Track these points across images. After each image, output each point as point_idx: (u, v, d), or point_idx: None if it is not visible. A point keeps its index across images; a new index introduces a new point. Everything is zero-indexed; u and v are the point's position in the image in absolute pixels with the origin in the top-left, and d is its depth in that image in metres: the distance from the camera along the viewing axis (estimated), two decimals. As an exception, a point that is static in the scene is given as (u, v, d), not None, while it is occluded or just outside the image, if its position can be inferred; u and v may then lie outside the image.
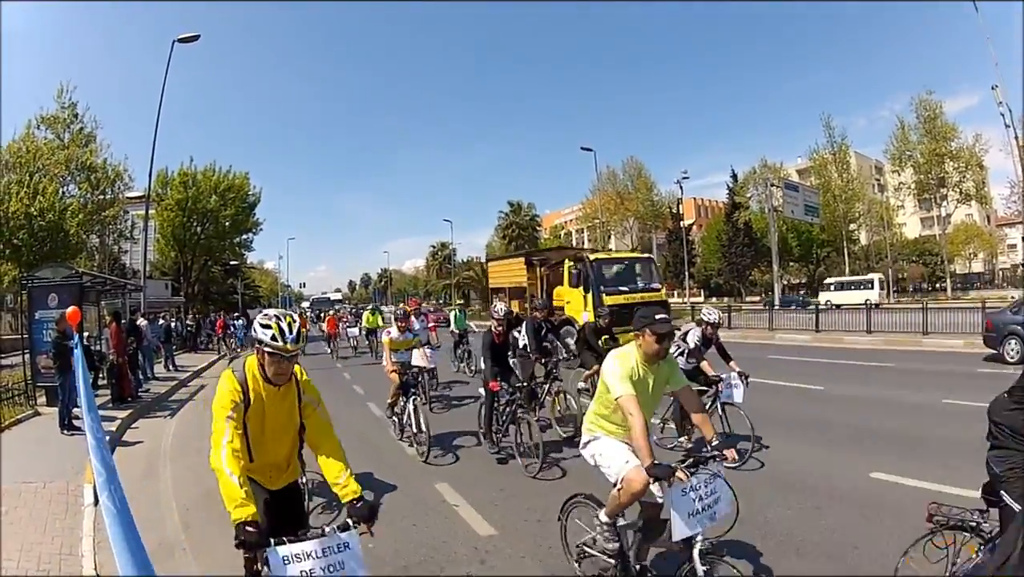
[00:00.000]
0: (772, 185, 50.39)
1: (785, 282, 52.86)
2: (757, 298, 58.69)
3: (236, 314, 40.74)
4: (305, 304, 65.19)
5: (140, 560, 2.74)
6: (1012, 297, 37.62)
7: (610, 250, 48.91)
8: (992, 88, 30.69)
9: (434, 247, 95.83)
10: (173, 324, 24.62)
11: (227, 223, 45.00)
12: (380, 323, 22.14)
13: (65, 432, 10.23)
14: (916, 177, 51.74)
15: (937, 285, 60.62)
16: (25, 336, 13.94)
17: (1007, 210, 54.72)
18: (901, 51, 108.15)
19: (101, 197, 32.08)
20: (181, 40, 25.19)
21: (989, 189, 52.68)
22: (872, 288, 43.13)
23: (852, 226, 59.92)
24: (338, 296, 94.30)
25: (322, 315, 43.70)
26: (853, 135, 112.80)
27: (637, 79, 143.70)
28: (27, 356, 13.57)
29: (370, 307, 26.60)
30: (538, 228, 76.67)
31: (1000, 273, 67.71)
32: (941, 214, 53.66)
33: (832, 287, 47.67)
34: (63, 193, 29.62)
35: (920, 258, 63.41)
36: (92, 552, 5.23)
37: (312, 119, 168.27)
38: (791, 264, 64.50)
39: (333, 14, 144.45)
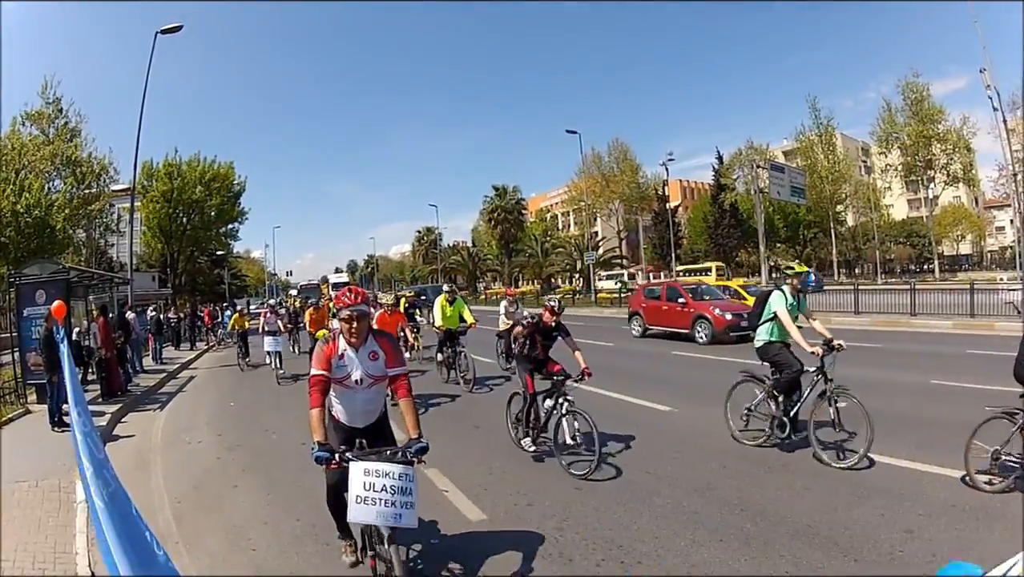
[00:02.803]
0: (758, 166, 50.41)
1: (772, 263, 53.04)
2: (742, 280, 59.11)
3: (225, 304, 40.57)
4: (293, 292, 64.22)
5: (135, 554, 2.72)
6: (1001, 279, 38.14)
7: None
8: (980, 71, 30.79)
9: (420, 232, 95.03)
10: (162, 316, 24.42)
11: (213, 213, 45.05)
12: (468, 318, 13.11)
13: (56, 429, 10.19)
14: (903, 159, 51.95)
15: (925, 267, 61.03)
16: (14, 334, 13.86)
17: (995, 192, 55.09)
18: (888, 32, 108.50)
19: (87, 191, 31.86)
20: (164, 31, 24.93)
21: (977, 171, 52.96)
22: (710, 274, 49.10)
23: (839, 207, 60.19)
24: (344, 278, 79.41)
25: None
26: (839, 116, 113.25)
27: (622, 60, 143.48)
28: (16, 354, 13.49)
29: (446, 291, 13.48)
30: (523, 212, 76.23)
31: (988, 255, 68.21)
32: (928, 196, 53.95)
33: (682, 274, 52.84)
34: (49, 189, 29.33)
35: (908, 240, 63.86)
36: (86, 549, 5.22)
37: (297, 106, 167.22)
38: (778, 245, 64.64)
39: None
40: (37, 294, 13.11)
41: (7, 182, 26.91)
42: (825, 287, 31.91)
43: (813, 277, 35.99)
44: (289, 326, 21.72)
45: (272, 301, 18.22)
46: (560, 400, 7.09)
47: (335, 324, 16.27)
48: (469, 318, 13.01)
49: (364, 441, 4.30)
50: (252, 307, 65.91)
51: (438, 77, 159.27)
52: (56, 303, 4.74)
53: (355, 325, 4.12)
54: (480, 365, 13.81)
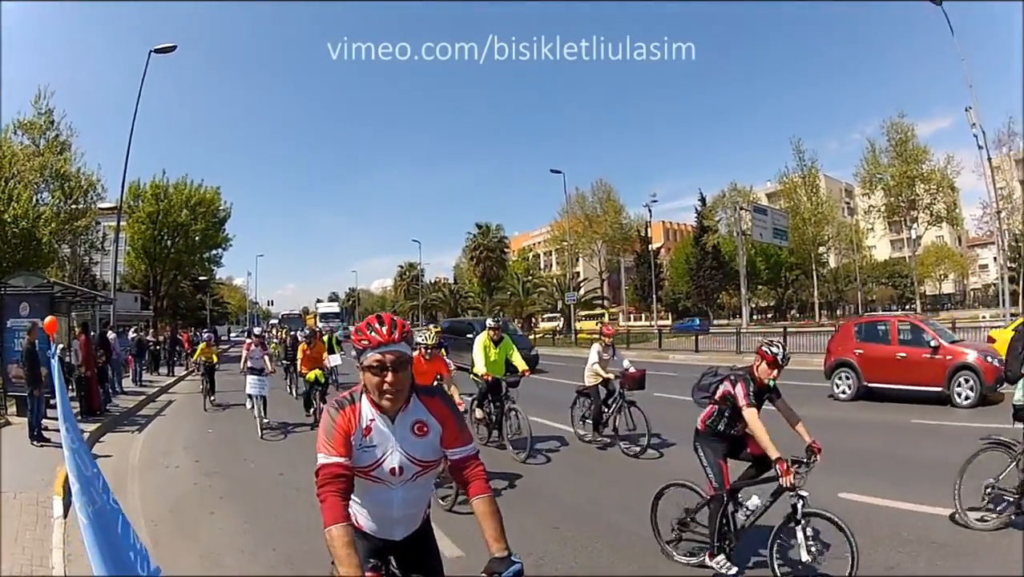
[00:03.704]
0: (741, 208, 51.09)
1: (753, 305, 53.57)
2: (725, 321, 59.25)
3: (205, 330, 40.37)
4: (274, 321, 63.24)
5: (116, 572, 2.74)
6: (983, 316, 38.49)
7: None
8: (966, 110, 31.30)
9: (402, 267, 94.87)
10: (148, 337, 24.22)
11: (197, 238, 44.80)
12: (519, 364, 10.23)
13: (35, 443, 10.10)
14: (886, 200, 52.65)
15: (907, 306, 61.59)
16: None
17: (979, 230, 55.81)
18: (874, 73, 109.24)
19: (74, 206, 31.62)
20: (157, 51, 25.11)
21: (961, 210, 53.67)
22: (558, 320, 55.75)
23: (821, 249, 60.81)
24: (334, 308, 75.64)
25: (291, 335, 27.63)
26: (823, 158, 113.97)
27: (607, 99, 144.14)
28: (-1, 364, 13.38)
29: (491, 326, 10.38)
30: (506, 250, 76.27)
31: (971, 293, 68.86)
32: (911, 236, 54.57)
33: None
34: (37, 201, 29.14)
35: (890, 280, 64.41)
36: (62, 565, 5.22)
37: (285, 136, 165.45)
38: (759, 287, 65.21)
39: (311, 28, 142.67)
40: (21, 306, 13.09)
41: (-4, 190, 26.77)
42: (807, 329, 32.17)
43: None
44: (284, 362, 18.97)
45: (257, 330, 14.91)
46: (797, 505, 4.54)
47: (333, 360, 14.72)
48: (521, 364, 10.06)
49: (393, 561, 2.79)
50: (232, 335, 65.00)
51: (424, 113, 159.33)
52: (48, 319, 4.77)
53: (392, 378, 2.40)
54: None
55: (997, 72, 56.18)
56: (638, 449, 9.32)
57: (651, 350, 32.09)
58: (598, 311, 64.83)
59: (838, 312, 64.95)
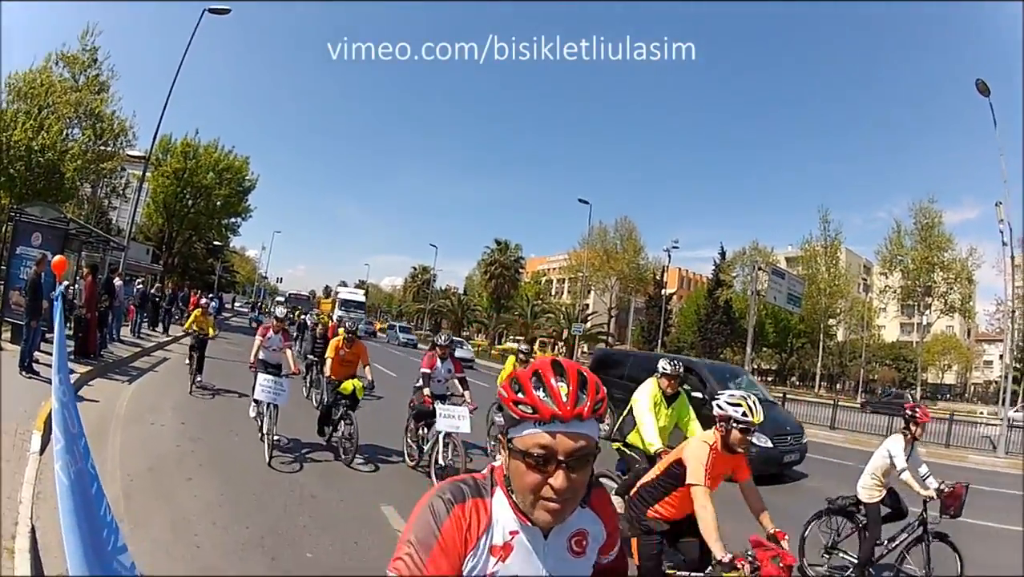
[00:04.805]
0: (759, 268, 50.96)
1: (755, 366, 53.24)
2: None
3: (211, 295, 40.32)
4: (280, 299, 61.52)
5: (90, 539, 2.58)
6: (981, 412, 38.32)
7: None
8: (996, 204, 30.97)
9: (415, 269, 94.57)
10: (152, 291, 24.08)
11: (219, 203, 44.78)
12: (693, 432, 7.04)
13: (23, 374, 10.02)
14: (904, 282, 52.56)
15: (907, 392, 61.31)
16: (2, 267, 13.73)
17: (989, 326, 55.55)
18: (909, 156, 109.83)
19: (103, 148, 31.77)
20: (212, 11, 25.24)
21: (975, 303, 53.48)
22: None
23: (831, 321, 60.57)
24: (359, 296, 61.66)
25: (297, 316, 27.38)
26: (847, 231, 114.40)
27: (645, 144, 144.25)
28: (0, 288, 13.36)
29: (666, 372, 6.68)
30: (521, 270, 76.10)
31: (972, 388, 68.54)
32: (922, 322, 54.41)
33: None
34: (67, 135, 29.30)
35: (894, 362, 64.15)
36: (30, 500, 5.12)
37: (320, 122, 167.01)
38: (764, 349, 64.99)
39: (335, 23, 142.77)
40: (33, 236, 13.12)
41: (28, 116, 26.97)
42: (803, 398, 32.13)
43: None
44: (311, 358, 14.10)
45: (281, 311, 10.91)
46: None
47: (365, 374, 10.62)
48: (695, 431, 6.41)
49: None
50: (237, 304, 64.15)
51: (459, 125, 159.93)
52: (58, 257, 4.64)
53: (564, 481, 1.39)
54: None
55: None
56: None
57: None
58: (600, 346, 64.73)
59: (838, 386, 64.72)
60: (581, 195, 63.08)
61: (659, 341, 56.62)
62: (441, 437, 8.09)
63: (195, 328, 13.38)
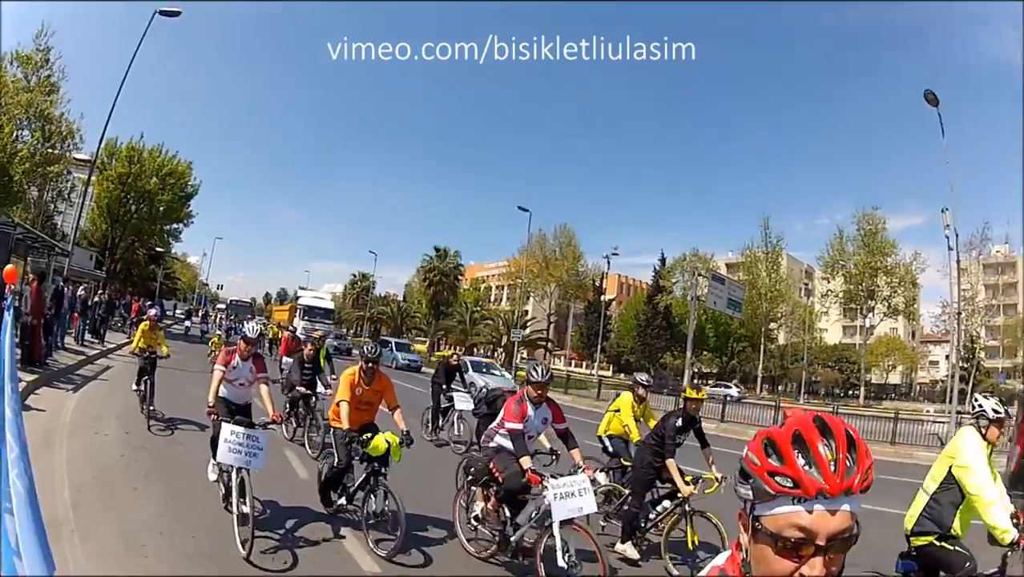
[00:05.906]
0: (699, 274, 51.91)
1: (696, 370, 54.31)
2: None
3: (151, 302, 39.58)
4: (221, 306, 60.28)
5: (47, 553, 2.79)
6: (928, 411, 39.42)
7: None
8: (942, 211, 31.99)
9: (355, 276, 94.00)
10: (95, 299, 23.66)
11: (161, 208, 44.99)
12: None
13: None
14: (846, 287, 54.17)
15: (850, 392, 62.75)
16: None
17: (935, 328, 57.26)
18: (851, 162, 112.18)
19: (50, 151, 31.19)
20: (163, 13, 25.11)
21: (919, 306, 55.21)
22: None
23: (772, 325, 61.69)
24: (326, 303, 53.88)
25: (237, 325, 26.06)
26: (789, 237, 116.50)
27: (585, 151, 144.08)
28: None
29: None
30: (460, 278, 75.97)
31: (918, 387, 70.27)
32: (865, 325, 55.96)
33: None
34: (17, 136, 28.74)
35: (837, 364, 65.61)
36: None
37: (260, 126, 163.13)
38: (705, 353, 65.99)
39: (302, 25, 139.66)
40: (-21, 241, 12.96)
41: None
42: (748, 400, 32.70)
43: None
44: (301, 391, 10.64)
45: (254, 327, 7.37)
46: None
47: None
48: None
49: None
50: (177, 312, 62.11)
51: (394, 129, 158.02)
52: (8, 267, 4.78)
53: (824, 569, 1.11)
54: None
55: (978, 178, 58.04)
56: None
57: (588, 398, 32.30)
58: (540, 352, 65.11)
59: (780, 388, 66.02)
60: (521, 203, 63.51)
61: (598, 347, 57.26)
62: (557, 529, 5.52)
63: (144, 346, 11.30)
